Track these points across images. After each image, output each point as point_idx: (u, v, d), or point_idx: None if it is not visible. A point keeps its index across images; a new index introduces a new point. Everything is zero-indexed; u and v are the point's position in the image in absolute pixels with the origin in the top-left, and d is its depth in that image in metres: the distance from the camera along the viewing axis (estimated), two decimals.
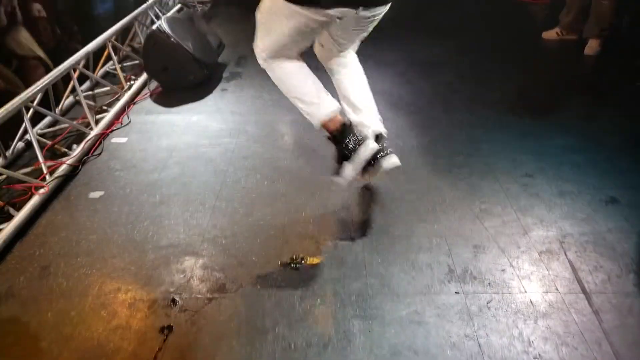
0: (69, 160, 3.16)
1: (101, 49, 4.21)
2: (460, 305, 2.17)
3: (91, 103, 4.00)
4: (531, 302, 2.17)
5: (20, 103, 3.05)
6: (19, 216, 2.67)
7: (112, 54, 4.32)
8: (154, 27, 4.05)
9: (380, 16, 2.33)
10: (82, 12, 5.38)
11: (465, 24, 5.57)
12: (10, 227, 2.59)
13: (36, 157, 3.11)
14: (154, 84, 4.29)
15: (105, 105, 3.98)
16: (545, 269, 2.33)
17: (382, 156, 2.37)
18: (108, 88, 4.19)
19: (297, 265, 2.39)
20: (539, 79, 4.25)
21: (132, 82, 4.33)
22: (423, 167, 3.06)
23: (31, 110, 3.27)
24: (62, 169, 3.09)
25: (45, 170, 3.03)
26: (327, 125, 2.42)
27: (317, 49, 2.68)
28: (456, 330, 2.06)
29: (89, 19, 5.35)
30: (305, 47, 2.47)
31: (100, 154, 3.36)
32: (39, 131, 3.53)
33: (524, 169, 3.00)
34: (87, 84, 4.28)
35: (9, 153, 3.25)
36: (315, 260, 2.41)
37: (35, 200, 2.80)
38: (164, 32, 3.96)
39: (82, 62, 3.85)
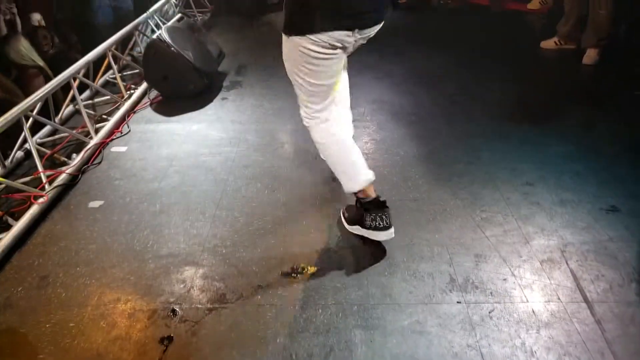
0: (69, 170, 3.16)
1: (101, 58, 4.22)
2: (462, 314, 2.16)
3: (91, 112, 4.01)
4: (533, 311, 2.16)
5: (19, 112, 3.04)
6: (18, 225, 2.66)
7: (112, 63, 4.33)
8: (154, 36, 4.06)
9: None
10: (82, 21, 5.41)
11: (464, 34, 5.59)
12: (9, 236, 2.58)
13: (35, 166, 3.11)
14: (154, 93, 4.30)
15: (105, 114, 3.98)
16: (546, 278, 2.31)
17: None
18: (108, 97, 4.19)
19: (298, 274, 2.38)
20: (538, 88, 4.25)
21: (132, 91, 4.34)
22: (424, 176, 3.06)
23: (31, 120, 3.27)
24: (62, 178, 3.08)
25: (44, 180, 3.02)
26: (357, 193, 2.51)
27: None
28: (458, 340, 2.05)
29: (89, 28, 5.37)
30: (334, 82, 2.37)
31: (100, 163, 3.35)
32: (39, 140, 3.53)
33: (524, 177, 3.00)
34: (87, 93, 4.29)
35: (8, 162, 3.25)
36: (316, 270, 2.40)
37: (34, 209, 2.79)
38: (165, 41, 3.97)
39: (82, 71, 3.85)
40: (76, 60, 3.85)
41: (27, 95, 3.49)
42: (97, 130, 3.65)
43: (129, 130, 3.76)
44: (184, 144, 3.53)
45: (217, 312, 2.22)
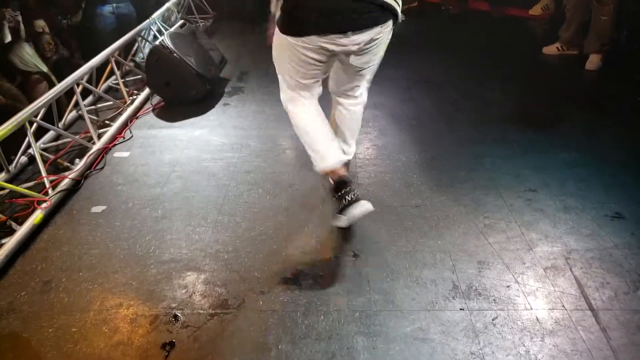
0: (72, 175, 3.16)
1: (104, 63, 4.22)
2: (466, 322, 2.15)
3: (94, 117, 4.01)
4: (537, 319, 2.15)
5: (23, 118, 3.05)
6: (21, 230, 2.66)
7: (115, 68, 4.33)
8: (157, 42, 4.07)
9: (373, 45, 2.30)
10: (85, 27, 5.44)
11: (465, 40, 5.60)
12: (12, 241, 2.58)
13: (39, 171, 3.11)
14: (156, 99, 4.30)
15: (107, 120, 3.98)
16: (551, 285, 2.30)
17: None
18: (111, 102, 4.20)
19: (300, 280, 2.37)
20: (540, 93, 4.25)
21: (134, 96, 4.34)
22: (426, 183, 3.05)
23: (34, 125, 3.27)
24: (65, 183, 3.08)
25: (47, 185, 3.02)
26: (328, 174, 2.59)
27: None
28: (461, 347, 2.04)
29: (92, 34, 5.40)
30: (315, 80, 2.47)
31: (102, 168, 3.35)
32: (42, 145, 3.53)
33: (527, 183, 2.99)
34: (90, 99, 4.29)
35: (12, 167, 3.24)
36: (318, 277, 2.39)
37: (37, 214, 2.78)
38: (167, 47, 3.98)
39: (86, 77, 3.86)
40: (79, 66, 3.86)
41: (30, 101, 3.51)
42: (100, 136, 3.65)
43: (132, 136, 3.76)
44: (186, 150, 3.53)
45: (219, 317, 2.21)
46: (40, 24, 4.84)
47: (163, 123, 3.97)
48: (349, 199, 2.45)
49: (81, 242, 2.68)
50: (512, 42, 5.48)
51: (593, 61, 4.55)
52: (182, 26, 4.56)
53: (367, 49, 2.29)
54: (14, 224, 2.75)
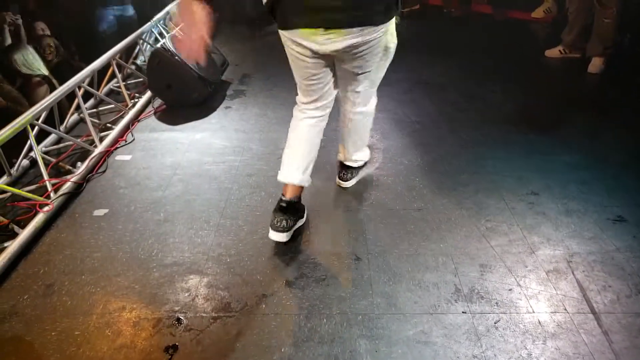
0: (74, 178, 3.16)
1: (105, 66, 4.23)
2: (468, 325, 2.15)
3: (95, 121, 4.01)
4: (539, 322, 2.15)
5: (25, 121, 3.05)
6: (24, 234, 2.66)
7: (117, 71, 4.34)
8: (158, 45, 4.07)
9: (360, 51, 2.24)
10: (86, 30, 5.44)
11: (467, 43, 5.61)
12: (15, 244, 2.58)
13: (41, 174, 3.11)
14: (158, 102, 4.31)
15: (109, 123, 3.99)
16: (553, 289, 2.31)
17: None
18: (112, 106, 4.20)
19: (302, 283, 2.37)
20: (543, 96, 4.26)
21: (136, 99, 4.35)
22: (428, 186, 3.06)
23: (36, 128, 3.27)
24: (67, 187, 3.08)
25: (49, 188, 3.02)
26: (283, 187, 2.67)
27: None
28: (464, 350, 2.04)
29: (93, 37, 5.40)
30: (316, 83, 2.46)
31: (104, 171, 3.35)
32: (44, 149, 3.54)
33: (529, 186, 2.99)
34: (91, 102, 4.30)
35: (13, 170, 3.24)
36: (320, 279, 2.40)
37: (40, 217, 2.79)
38: (168, 50, 3.98)
39: (87, 80, 3.87)
40: (80, 69, 3.87)
41: (31, 104, 3.51)
42: (101, 139, 3.65)
43: (133, 139, 3.77)
44: (188, 153, 3.53)
45: (221, 321, 2.21)
46: (41, 25, 4.84)
47: (165, 126, 3.97)
48: (276, 224, 2.56)
49: (83, 246, 2.69)
50: (514, 44, 5.49)
51: (595, 64, 4.55)
52: None
53: (354, 53, 2.23)
54: (16, 228, 2.75)
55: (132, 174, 3.31)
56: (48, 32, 4.87)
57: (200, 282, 2.42)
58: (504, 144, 3.46)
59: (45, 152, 3.49)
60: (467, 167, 3.22)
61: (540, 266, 2.43)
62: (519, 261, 2.47)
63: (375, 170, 3.20)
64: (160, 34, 5.20)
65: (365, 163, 3.20)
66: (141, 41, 4.99)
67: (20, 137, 3.12)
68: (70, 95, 3.71)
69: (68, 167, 3.37)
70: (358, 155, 3.00)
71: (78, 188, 3.15)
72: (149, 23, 5.06)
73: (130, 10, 5.76)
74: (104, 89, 4.45)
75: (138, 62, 5.09)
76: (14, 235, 2.68)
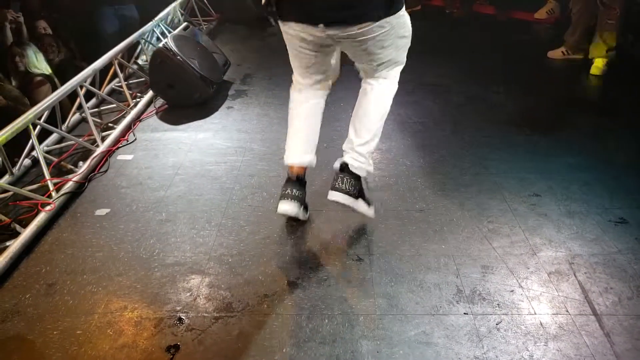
0: (75, 178, 3.16)
1: (107, 66, 4.23)
2: (469, 326, 2.15)
3: (97, 120, 4.01)
4: (541, 323, 2.15)
5: (27, 120, 3.06)
6: (26, 233, 2.66)
7: (119, 71, 4.34)
8: (160, 44, 4.07)
9: (366, 44, 2.27)
10: (88, 29, 5.44)
11: (470, 43, 5.61)
12: (17, 243, 2.58)
13: (42, 174, 3.11)
14: (159, 102, 4.31)
15: (111, 123, 3.99)
16: (554, 290, 2.31)
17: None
18: (114, 105, 4.20)
19: (304, 284, 2.37)
20: (545, 98, 4.25)
21: (138, 99, 4.35)
22: (430, 187, 3.06)
23: (38, 127, 3.27)
24: (69, 186, 3.09)
25: (51, 187, 3.02)
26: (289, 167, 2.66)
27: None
28: (465, 351, 2.04)
29: (95, 36, 5.41)
30: (314, 70, 2.49)
31: (106, 171, 3.36)
32: (46, 148, 3.54)
33: (532, 188, 2.99)
34: (93, 101, 4.29)
35: (15, 169, 3.25)
36: (322, 280, 2.40)
37: (41, 217, 2.79)
38: (170, 50, 3.98)
39: (89, 80, 3.87)
40: (82, 68, 3.87)
41: (34, 103, 3.51)
42: (103, 139, 3.65)
43: (135, 139, 3.77)
44: (190, 153, 3.54)
45: (223, 321, 2.21)
46: (42, 24, 4.85)
47: (166, 126, 3.97)
48: (287, 193, 2.57)
49: (85, 245, 2.69)
50: (516, 45, 5.48)
51: (598, 66, 4.54)
52: (185, 29, 4.57)
53: (359, 43, 2.26)
54: (18, 227, 2.75)
55: (133, 174, 3.31)
56: (50, 31, 4.88)
57: (202, 282, 2.42)
58: (506, 146, 3.46)
59: (47, 152, 3.49)
60: (469, 169, 3.22)
61: (542, 268, 2.43)
62: (520, 263, 2.47)
63: (377, 171, 3.19)
64: (162, 34, 5.20)
65: (367, 181, 2.84)
66: (143, 41, 4.99)
67: (22, 136, 3.12)
68: (72, 95, 3.71)
69: (70, 166, 3.38)
70: (365, 148, 2.55)
71: (80, 187, 3.15)
72: (151, 22, 5.07)
73: (132, 10, 5.76)
74: (106, 89, 4.45)
75: (140, 61, 5.10)
76: (16, 234, 2.68)
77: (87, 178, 3.25)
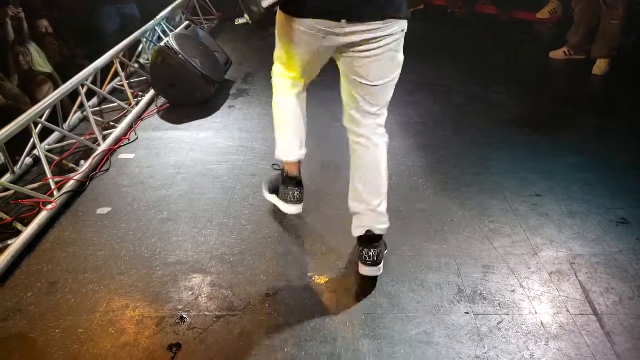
0: (77, 176, 3.16)
1: (108, 64, 4.23)
2: (470, 325, 2.15)
3: (98, 119, 4.01)
4: (542, 323, 2.15)
5: (28, 118, 3.06)
6: (27, 231, 2.66)
7: (120, 70, 4.34)
8: (162, 43, 4.07)
9: (378, 49, 2.12)
10: (89, 28, 5.44)
11: (471, 43, 5.61)
12: (18, 242, 2.59)
13: (44, 172, 3.12)
14: (161, 100, 4.31)
15: (112, 121, 3.99)
16: (555, 290, 2.31)
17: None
18: (115, 104, 4.20)
19: (306, 283, 2.38)
20: (547, 98, 4.25)
21: (139, 98, 4.35)
22: (431, 186, 3.06)
23: (39, 126, 3.28)
24: (70, 185, 3.09)
25: (53, 186, 3.02)
26: (282, 164, 2.65)
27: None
28: (466, 351, 2.04)
29: (95, 34, 5.41)
30: (309, 69, 2.40)
31: (107, 170, 3.36)
32: (47, 146, 3.54)
33: (533, 188, 3.00)
34: (94, 100, 4.30)
35: (17, 168, 3.25)
36: (324, 279, 2.40)
37: (43, 215, 2.79)
38: (172, 48, 3.98)
39: (90, 78, 3.87)
40: (83, 67, 3.87)
41: (35, 101, 3.51)
42: (104, 137, 3.65)
43: (136, 137, 3.77)
44: (191, 152, 3.54)
45: (225, 319, 2.21)
46: (44, 23, 4.84)
47: (168, 125, 3.98)
48: (291, 198, 2.60)
49: (87, 244, 2.69)
50: (518, 45, 5.48)
51: (600, 66, 4.54)
52: (186, 27, 4.57)
53: (368, 51, 2.11)
54: (19, 225, 2.76)
55: (135, 173, 3.32)
56: (51, 30, 4.88)
57: (204, 281, 2.42)
58: (508, 145, 3.46)
59: (48, 150, 3.49)
60: (470, 168, 3.22)
61: (543, 267, 2.44)
62: (521, 262, 2.47)
63: None
64: (164, 32, 5.20)
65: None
66: (144, 39, 4.99)
67: (23, 135, 3.13)
68: (73, 94, 3.71)
69: (71, 165, 3.38)
70: (384, 205, 2.34)
71: (81, 186, 3.16)
72: (152, 21, 5.06)
73: (133, 8, 5.76)
74: (107, 87, 4.44)
75: (141, 60, 5.10)
76: (17, 232, 2.68)
77: (89, 177, 3.25)
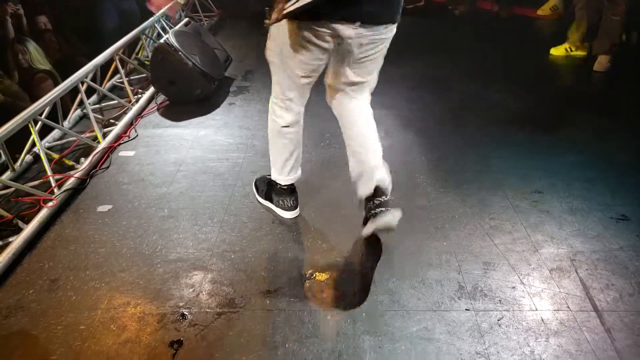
0: (77, 174, 3.16)
1: (108, 62, 4.23)
2: (471, 322, 2.16)
3: (99, 116, 4.01)
4: (542, 319, 2.16)
5: (28, 116, 3.06)
6: (28, 229, 2.66)
7: (120, 67, 4.34)
8: (162, 40, 4.07)
9: (381, 45, 2.22)
10: (89, 25, 5.44)
11: (472, 40, 5.61)
12: (19, 239, 2.59)
13: (44, 170, 3.11)
14: (161, 98, 4.31)
15: (112, 119, 3.99)
16: (556, 287, 2.31)
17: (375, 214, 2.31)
18: (115, 101, 4.20)
19: (306, 280, 2.38)
20: (548, 95, 4.25)
21: (139, 95, 4.35)
22: (432, 184, 3.06)
23: (39, 124, 3.28)
24: (70, 182, 3.09)
25: (53, 184, 3.03)
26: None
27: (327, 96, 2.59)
28: (467, 347, 2.05)
29: (95, 31, 5.41)
30: (313, 78, 2.38)
31: (108, 167, 3.36)
32: (47, 144, 3.54)
33: (534, 185, 3.00)
34: (94, 97, 4.30)
35: (17, 166, 3.25)
36: (324, 276, 2.41)
37: (44, 213, 2.79)
38: (172, 45, 3.98)
39: (90, 75, 3.87)
40: (83, 64, 3.87)
41: (35, 99, 3.50)
42: (105, 135, 3.66)
43: (137, 135, 3.77)
44: (192, 149, 3.54)
45: (226, 316, 2.22)
46: (43, 19, 4.84)
47: (168, 122, 3.98)
48: (288, 205, 2.76)
49: (88, 241, 2.69)
50: (519, 42, 5.48)
51: (602, 62, 4.54)
52: (186, 24, 4.56)
53: (369, 52, 2.21)
54: (20, 223, 2.76)
55: (135, 170, 3.32)
56: (50, 27, 4.87)
57: (205, 278, 2.43)
58: (509, 142, 3.46)
59: (49, 148, 3.50)
60: (471, 166, 3.22)
61: (544, 264, 2.44)
62: (522, 259, 2.48)
63: None
64: (164, 29, 5.20)
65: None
66: (144, 36, 4.99)
67: (23, 133, 3.12)
68: (73, 91, 3.71)
69: (71, 162, 3.38)
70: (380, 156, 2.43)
71: (82, 184, 3.16)
72: (152, 18, 5.07)
73: (133, 4, 5.76)
74: (107, 85, 4.45)
75: (141, 57, 5.09)
76: (19, 230, 2.68)
77: (89, 174, 3.25)
